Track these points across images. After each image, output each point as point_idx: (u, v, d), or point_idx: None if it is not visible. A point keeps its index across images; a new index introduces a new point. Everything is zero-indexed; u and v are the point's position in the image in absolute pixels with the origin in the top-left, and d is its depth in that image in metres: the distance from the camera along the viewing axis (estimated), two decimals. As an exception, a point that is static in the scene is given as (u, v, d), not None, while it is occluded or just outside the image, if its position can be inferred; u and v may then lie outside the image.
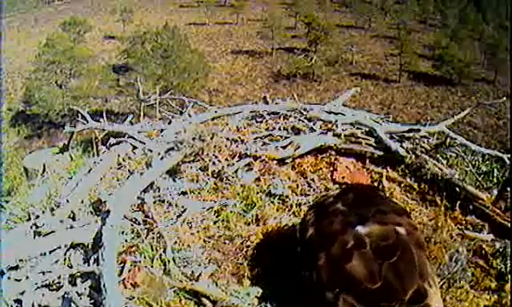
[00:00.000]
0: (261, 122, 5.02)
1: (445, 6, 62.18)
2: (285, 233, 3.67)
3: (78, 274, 3.12)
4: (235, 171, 4.13)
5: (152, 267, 3.19)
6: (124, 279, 3.09)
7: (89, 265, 3.13)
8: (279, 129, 4.80)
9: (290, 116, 4.99)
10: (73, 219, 3.51)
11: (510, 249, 3.53)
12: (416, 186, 4.24)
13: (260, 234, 3.59)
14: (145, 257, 3.24)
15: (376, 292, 2.47)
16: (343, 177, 4.32)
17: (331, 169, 4.40)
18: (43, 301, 3.04)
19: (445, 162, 4.43)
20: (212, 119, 5.08)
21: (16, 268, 3.10)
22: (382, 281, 2.48)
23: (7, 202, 4.05)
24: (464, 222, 3.89)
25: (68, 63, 38.99)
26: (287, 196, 4.00)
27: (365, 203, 2.96)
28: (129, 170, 4.12)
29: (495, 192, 4.08)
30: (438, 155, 4.47)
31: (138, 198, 3.67)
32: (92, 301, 2.96)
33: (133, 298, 2.99)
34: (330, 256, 2.66)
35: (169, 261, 3.21)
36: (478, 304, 3.20)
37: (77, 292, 2.99)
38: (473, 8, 59.34)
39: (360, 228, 2.69)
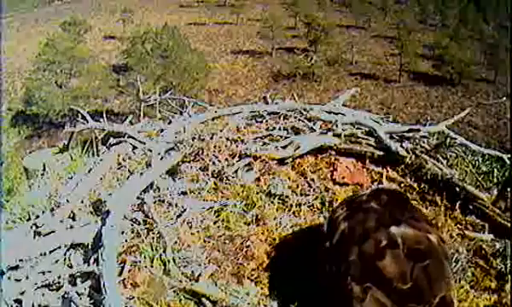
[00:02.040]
0: (261, 122, 5.02)
1: (445, 6, 62.14)
2: (285, 233, 3.68)
3: (78, 274, 3.12)
4: (235, 171, 4.13)
5: (152, 267, 3.18)
6: (124, 279, 3.09)
7: (89, 265, 3.12)
8: (279, 129, 4.79)
9: (290, 116, 4.99)
10: (73, 219, 3.51)
11: (510, 249, 3.53)
12: (416, 186, 4.24)
13: (260, 234, 3.59)
14: (145, 257, 3.24)
15: (406, 293, 2.50)
16: (343, 177, 4.32)
17: (331, 169, 4.40)
18: (43, 301, 3.04)
19: (445, 162, 4.43)
20: (212, 119, 5.08)
21: (16, 268, 3.10)
22: (413, 283, 2.52)
23: (7, 202, 4.05)
24: (464, 222, 3.89)
25: (68, 63, 38.99)
26: (287, 196, 4.00)
27: (399, 206, 2.99)
28: (129, 170, 4.12)
29: (495, 192, 4.08)
30: (438, 155, 4.47)
31: (138, 198, 3.67)
32: (92, 301, 2.96)
33: (133, 298, 2.99)
34: (362, 252, 2.68)
35: (169, 261, 3.20)
36: (478, 304, 3.20)
37: (77, 292, 2.99)
38: (473, 8, 59.31)
39: (394, 229, 2.72)
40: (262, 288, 3.19)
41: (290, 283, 3.21)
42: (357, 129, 4.74)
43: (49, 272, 3.14)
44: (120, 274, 3.10)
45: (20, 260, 3.10)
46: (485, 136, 35.55)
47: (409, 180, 4.30)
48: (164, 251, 3.25)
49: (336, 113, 5.01)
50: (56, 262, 3.24)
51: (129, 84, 38.51)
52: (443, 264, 2.68)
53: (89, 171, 4.03)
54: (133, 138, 4.46)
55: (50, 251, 3.23)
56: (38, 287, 3.07)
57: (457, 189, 4.04)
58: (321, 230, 3.13)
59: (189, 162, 4.19)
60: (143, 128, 4.83)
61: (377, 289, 2.53)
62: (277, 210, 3.91)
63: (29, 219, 3.55)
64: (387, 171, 4.38)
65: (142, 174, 3.85)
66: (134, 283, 3.08)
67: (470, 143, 4.63)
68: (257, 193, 3.95)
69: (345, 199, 3.44)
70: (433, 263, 2.62)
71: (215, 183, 4.02)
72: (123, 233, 3.43)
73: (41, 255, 3.19)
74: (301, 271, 3.25)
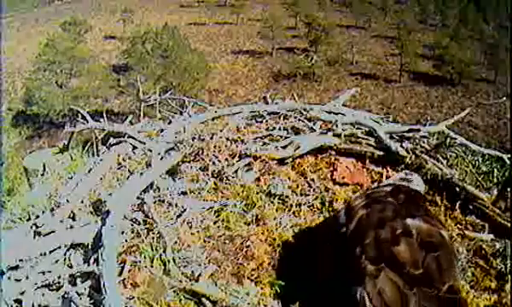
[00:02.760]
0: (261, 122, 5.01)
1: (445, 6, 62.13)
2: (285, 233, 3.68)
3: (78, 274, 3.12)
4: (235, 171, 4.13)
5: (152, 267, 3.18)
6: (124, 279, 3.09)
7: (89, 265, 3.13)
8: (279, 129, 4.79)
9: (290, 116, 4.98)
10: (73, 219, 3.51)
11: (510, 249, 3.54)
12: (416, 186, 4.24)
13: (260, 234, 3.59)
14: (145, 257, 3.24)
15: (417, 277, 2.62)
16: (343, 177, 4.32)
17: (331, 169, 4.40)
18: (43, 301, 3.04)
19: (445, 162, 4.43)
20: (212, 119, 5.08)
21: (16, 268, 3.10)
22: (424, 270, 2.64)
23: (7, 202, 4.05)
24: (464, 222, 3.89)
25: (68, 63, 39.00)
26: (287, 196, 4.00)
27: (415, 204, 3.16)
28: (129, 170, 4.12)
29: (495, 192, 4.08)
30: (438, 155, 4.47)
31: (138, 198, 3.67)
32: (92, 301, 2.96)
33: (133, 298, 2.99)
34: (378, 237, 2.81)
35: (169, 261, 3.20)
36: (478, 304, 3.20)
37: (77, 292, 2.99)
38: (473, 8, 59.29)
39: (409, 221, 2.85)
40: (262, 288, 3.20)
41: (290, 283, 3.21)
42: (357, 129, 4.74)
43: (49, 272, 3.14)
44: (120, 274, 3.10)
45: (20, 260, 3.10)
46: (485, 136, 35.55)
47: (409, 180, 4.29)
48: (164, 251, 3.25)
49: (336, 113, 5.00)
50: (56, 262, 3.24)
51: (129, 84, 38.50)
52: (452, 258, 2.81)
53: (89, 171, 4.03)
54: (133, 138, 4.46)
55: (50, 252, 3.23)
56: (38, 287, 3.07)
57: (457, 189, 4.04)
58: (337, 218, 3.23)
59: (189, 162, 4.19)
60: (143, 128, 4.83)
61: (390, 270, 2.64)
62: (277, 210, 3.91)
63: (29, 219, 3.55)
64: (387, 171, 4.38)
65: (142, 174, 3.85)
66: (134, 283, 3.08)
67: (470, 143, 4.63)
68: (257, 193, 3.95)
69: (363, 192, 3.55)
70: (444, 255, 2.74)
71: (215, 183, 4.02)
72: (123, 233, 3.43)
73: (41, 255, 3.19)
74: (301, 271, 3.25)
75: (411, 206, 3.05)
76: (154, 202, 3.70)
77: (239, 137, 4.55)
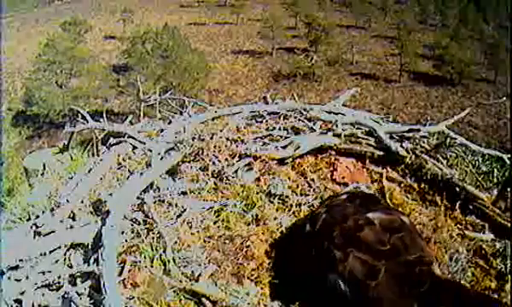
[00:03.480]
0: (261, 122, 5.01)
1: (445, 6, 62.11)
2: (285, 232, 3.68)
3: (78, 274, 3.12)
4: (235, 171, 4.13)
5: (152, 267, 3.18)
6: (124, 279, 3.09)
7: (89, 265, 3.13)
8: (279, 129, 4.79)
9: (290, 116, 4.98)
10: (73, 219, 3.51)
11: (510, 249, 3.54)
12: (416, 186, 4.25)
13: (260, 234, 3.59)
14: (145, 257, 3.24)
15: (385, 252, 2.80)
16: (343, 177, 4.32)
17: (331, 169, 4.40)
18: (43, 301, 3.04)
19: (445, 162, 4.43)
20: (212, 119, 5.08)
21: (16, 268, 3.10)
22: (390, 246, 2.82)
23: (7, 202, 4.05)
24: (464, 222, 3.89)
25: (68, 63, 38.97)
26: (287, 196, 4.00)
27: (372, 202, 3.34)
28: (129, 170, 4.12)
29: (495, 192, 4.09)
30: (438, 155, 4.47)
31: (138, 198, 3.67)
32: (92, 301, 2.96)
33: (133, 298, 2.99)
34: (344, 228, 2.98)
35: (169, 261, 3.20)
36: (478, 304, 3.20)
37: (77, 292, 2.99)
38: (473, 8, 59.28)
39: (370, 214, 3.02)
40: (262, 288, 3.20)
41: (290, 283, 3.21)
42: (357, 129, 4.74)
43: (49, 272, 3.14)
44: (120, 274, 3.10)
45: (20, 260, 3.10)
46: (485, 136, 35.54)
47: (409, 180, 4.30)
48: (164, 251, 3.25)
49: (336, 113, 5.00)
50: (56, 262, 3.24)
51: (129, 84, 38.47)
52: (416, 238, 2.98)
53: (89, 171, 4.03)
54: (133, 138, 4.46)
55: (50, 251, 3.23)
56: (38, 287, 3.07)
57: (457, 189, 4.04)
58: (303, 227, 3.35)
59: (189, 162, 4.19)
60: (143, 128, 4.83)
61: (358, 251, 2.83)
62: (277, 210, 3.91)
63: (29, 219, 3.55)
64: (387, 171, 4.38)
65: (142, 174, 3.85)
66: (134, 283, 3.08)
67: (470, 143, 4.63)
68: (257, 193, 3.94)
69: (323, 202, 3.71)
70: (408, 236, 2.92)
71: (215, 183, 4.02)
72: (123, 233, 3.43)
73: (41, 255, 3.19)
74: (301, 271, 3.25)
75: (369, 205, 3.22)
76: (154, 202, 3.70)
77: (239, 137, 4.55)
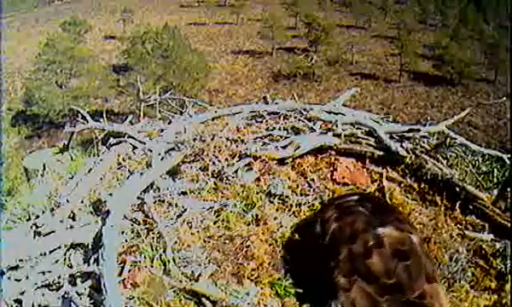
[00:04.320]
0: (261, 122, 5.01)
1: (445, 6, 62.14)
2: (285, 233, 3.68)
3: (78, 274, 3.12)
4: (235, 171, 4.12)
5: (152, 267, 3.18)
6: (124, 279, 3.09)
7: (89, 265, 3.12)
8: (279, 129, 4.79)
9: (290, 116, 4.98)
10: (73, 219, 3.51)
11: (510, 249, 3.54)
12: (416, 186, 4.24)
13: (260, 234, 3.59)
14: (145, 257, 3.24)
15: (389, 286, 2.77)
16: (343, 177, 4.31)
17: (331, 169, 4.40)
18: (43, 301, 3.04)
19: (445, 162, 4.42)
20: (212, 119, 5.07)
21: (16, 268, 3.10)
22: (396, 279, 2.79)
23: (7, 202, 4.05)
24: (464, 222, 3.89)
25: (68, 63, 39.02)
26: (287, 196, 4.00)
27: (384, 209, 3.35)
28: (129, 170, 4.11)
29: (495, 192, 4.08)
30: (438, 155, 4.47)
31: (138, 198, 3.67)
32: (92, 301, 2.96)
33: (133, 298, 2.99)
34: (351, 251, 2.94)
35: (169, 261, 3.20)
36: (478, 304, 3.21)
37: (77, 292, 2.99)
38: (473, 8, 59.30)
39: (380, 230, 2.99)
40: (262, 288, 3.19)
41: (290, 283, 3.21)
42: (357, 129, 4.73)
43: (49, 272, 3.14)
44: (120, 274, 3.10)
45: (20, 260, 3.10)
46: (485, 136, 35.57)
47: (409, 180, 4.29)
48: (164, 251, 3.25)
49: (336, 113, 5.00)
50: (56, 262, 3.23)
51: (129, 84, 38.49)
52: (422, 262, 2.93)
53: (89, 171, 4.03)
54: (133, 138, 4.45)
55: (50, 251, 3.23)
56: (38, 287, 3.07)
57: (457, 189, 4.04)
58: (314, 230, 3.32)
59: (189, 162, 4.19)
60: (143, 128, 4.82)
61: (362, 281, 2.80)
62: (277, 210, 3.91)
63: (29, 219, 3.55)
64: (387, 171, 4.38)
65: (142, 174, 3.85)
66: (134, 283, 3.08)
67: (470, 143, 4.62)
68: (257, 193, 3.94)
69: (332, 201, 3.70)
70: (414, 262, 2.89)
71: (215, 183, 4.02)
72: (123, 233, 3.42)
73: (41, 255, 3.18)
74: (301, 271, 3.25)
75: (381, 213, 3.20)
76: (154, 202, 3.70)
77: (239, 137, 4.55)
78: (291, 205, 3.93)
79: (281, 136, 4.64)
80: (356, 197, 3.46)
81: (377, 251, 2.88)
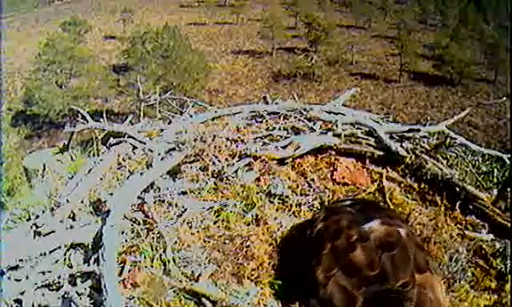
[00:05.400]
0: (261, 122, 5.01)
1: (445, 6, 62.15)
2: (285, 233, 3.68)
3: (78, 274, 3.12)
4: (235, 171, 4.12)
5: (152, 267, 3.19)
6: (124, 279, 3.09)
7: (89, 265, 3.13)
8: (279, 129, 4.79)
9: (290, 116, 4.98)
10: (73, 219, 3.51)
11: (510, 249, 3.54)
12: (416, 186, 4.24)
13: (260, 234, 3.59)
14: (145, 257, 3.24)
15: (371, 278, 2.74)
16: (343, 177, 4.31)
17: (331, 169, 4.40)
18: (43, 301, 3.04)
19: (445, 162, 4.43)
20: (213, 119, 5.07)
21: (16, 268, 3.10)
22: (379, 270, 2.76)
23: (7, 202, 4.05)
24: (464, 222, 3.89)
25: (68, 63, 39.04)
26: (287, 196, 4.00)
27: (373, 208, 3.33)
28: (129, 170, 4.12)
29: (495, 192, 4.09)
30: (438, 155, 4.47)
31: (138, 198, 3.67)
32: (92, 301, 2.96)
33: (133, 298, 2.99)
34: (334, 246, 2.93)
35: (169, 261, 3.20)
36: (478, 304, 3.21)
37: (77, 292, 2.99)
38: (473, 8, 59.31)
39: (366, 226, 2.96)
40: (262, 288, 3.20)
41: (290, 283, 3.21)
42: (357, 129, 4.73)
43: (49, 272, 3.14)
44: (120, 274, 3.10)
45: (20, 260, 3.10)
46: (485, 136, 35.57)
47: (409, 180, 4.30)
48: (164, 251, 3.25)
49: (336, 113, 5.00)
50: (56, 262, 3.24)
51: (129, 84, 38.49)
52: (409, 254, 2.86)
53: (89, 171, 4.03)
54: (133, 138, 4.45)
55: (50, 252, 3.23)
56: (38, 287, 3.07)
57: (457, 189, 4.04)
58: (305, 231, 3.33)
59: (190, 162, 4.19)
60: (143, 128, 4.82)
61: (342, 274, 2.79)
62: (277, 210, 3.91)
63: (29, 219, 3.55)
64: (387, 171, 4.38)
65: (142, 174, 3.85)
66: (134, 283, 3.08)
67: (470, 143, 4.62)
68: (257, 193, 3.94)
69: (325, 205, 3.74)
70: (400, 253, 2.83)
71: (215, 183, 4.02)
72: (123, 233, 3.43)
73: (41, 255, 3.19)
74: (301, 271, 3.25)
75: (369, 211, 3.16)
76: (154, 202, 3.70)
77: (239, 137, 4.55)
78: (291, 205, 3.94)
79: (281, 136, 4.64)
80: (349, 202, 3.45)
81: (361, 245, 2.86)
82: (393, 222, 3.07)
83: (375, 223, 2.97)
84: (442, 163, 4.39)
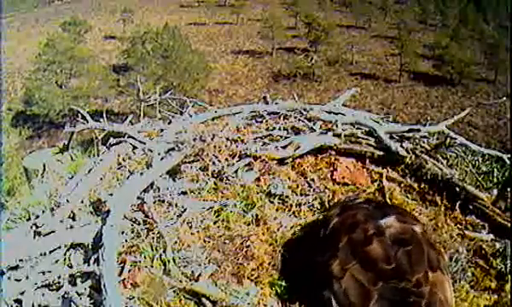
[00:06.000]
0: (261, 122, 5.00)
1: (445, 6, 62.17)
2: (285, 232, 3.68)
3: (78, 274, 3.12)
4: (235, 171, 4.12)
5: (152, 267, 3.19)
6: (124, 279, 3.09)
7: (89, 265, 3.12)
8: (279, 129, 4.78)
9: (290, 116, 4.98)
10: (73, 219, 3.51)
11: (510, 249, 3.54)
12: (416, 186, 4.24)
13: (260, 234, 3.59)
14: (145, 257, 3.24)
15: (388, 272, 2.74)
16: (343, 177, 4.31)
17: (331, 169, 4.40)
18: (43, 301, 3.04)
19: (445, 162, 4.43)
20: (212, 119, 5.07)
21: (16, 268, 3.10)
22: (395, 264, 2.76)
23: (7, 202, 4.05)
24: (464, 222, 3.89)
25: (68, 63, 39.06)
26: (287, 196, 4.00)
27: (387, 206, 3.42)
28: (129, 170, 4.12)
29: (495, 192, 4.08)
30: (438, 155, 4.47)
31: (138, 198, 3.67)
32: (92, 301, 2.96)
33: (133, 298, 2.99)
34: (351, 239, 2.93)
35: (169, 261, 3.20)
36: (478, 304, 3.21)
37: (77, 292, 2.99)
38: (473, 8, 59.33)
39: (382, 221, 2.97)
40: (262, 288, 3.19)
41: (290, 283, 3.21)
42: (357, 129, 4.73)
43: (49, 272, 3.14)
44: (120, 274, 3.10)
45: (20, 260, 3.10)
46: (485, 136, 35.58)
47: (409, 180, 4.29)
48: (164, 251, 3.25)
49: (336, 113, 5.00)
50: (56, 262, 3.24)
51: (129, 84, 38.51)
52: (424, 250, 2.88)
53: (89, 171, 4.03)
54: (133, 138, 4.45)
55: (50, 252, 3.23)
56: (38, 287, 3.07)
57: (457, 189, 4.04)
58: (315, 228, 3.34)
59: (189, 162, 4.19)
60: (143, 128, 4.82)
61: (359, 267, 2.78)
62: (277, 210, 3.91)
63: (29, 219, 3.55)
64: (387, 171, 4.38)
65: (142, 174, 3.85)
66: (134, 283, 3.08)
67: (470, 143, 4.62)
68: (257, 193, 3.94)
69: (339, 202, 3.72)
70: (416, 249, 2.85)
71: (215, 183, 4.02)
72: (123, 233, 3.42)
73: (41, 255, 3.18)
74: (301, 271, 3.25)
75: (384, 208, 3.22)
76: (154, 202, 3.70)
77: (239, 137, 4.55)
78: (291, 205, 3.93)
79: (281, 136, 4.64)
80: (361, 200, 3.47)
81: (378, 239, 2.86)
82: (407, 219, 3.11)
83: (391, 218, 2.99)
84: (442, 163, 4.39)
